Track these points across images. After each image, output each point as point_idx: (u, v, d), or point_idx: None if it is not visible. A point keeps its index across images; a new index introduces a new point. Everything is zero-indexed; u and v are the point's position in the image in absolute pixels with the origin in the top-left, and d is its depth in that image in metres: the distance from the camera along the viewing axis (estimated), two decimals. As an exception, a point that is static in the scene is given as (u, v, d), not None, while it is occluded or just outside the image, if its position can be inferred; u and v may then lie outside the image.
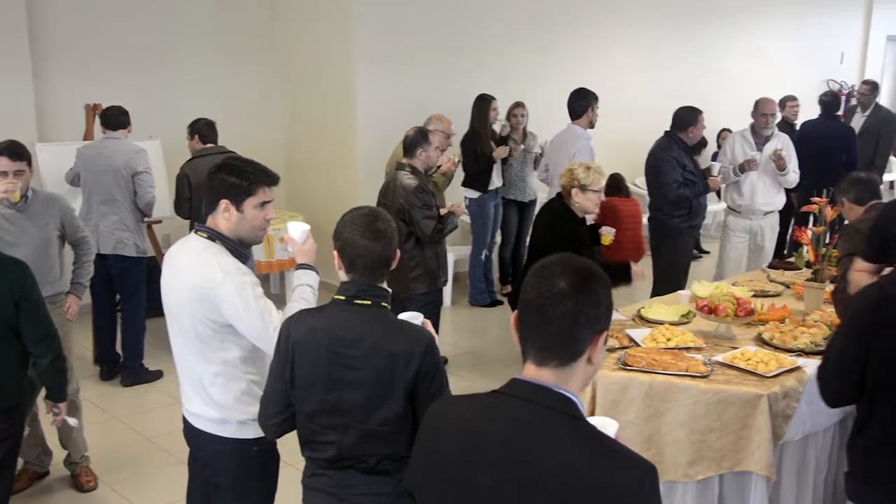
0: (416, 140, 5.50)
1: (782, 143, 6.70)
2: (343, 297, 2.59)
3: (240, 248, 3.01)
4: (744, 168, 6.55)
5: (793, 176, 6.65)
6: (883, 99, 11.24)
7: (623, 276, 4.87)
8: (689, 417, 3.75)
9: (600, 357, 1.80)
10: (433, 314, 5.63)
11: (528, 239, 8.17)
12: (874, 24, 13.05)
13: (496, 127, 7.54)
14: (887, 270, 2.88)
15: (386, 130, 7.21)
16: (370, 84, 7.84)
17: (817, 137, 7.85)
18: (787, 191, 7.21)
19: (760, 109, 6.68)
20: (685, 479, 3.78)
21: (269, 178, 3.02)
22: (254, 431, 2.93)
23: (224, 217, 2.95)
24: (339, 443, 2.56)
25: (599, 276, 1.78)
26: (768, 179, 6.67)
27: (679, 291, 5.06)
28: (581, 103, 6.73)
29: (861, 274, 3.57)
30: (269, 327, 2.85)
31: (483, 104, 7.48)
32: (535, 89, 8.47)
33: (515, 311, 1.80)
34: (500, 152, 7.46)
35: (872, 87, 9.38)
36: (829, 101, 8.33)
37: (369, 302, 2.56)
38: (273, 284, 8.16)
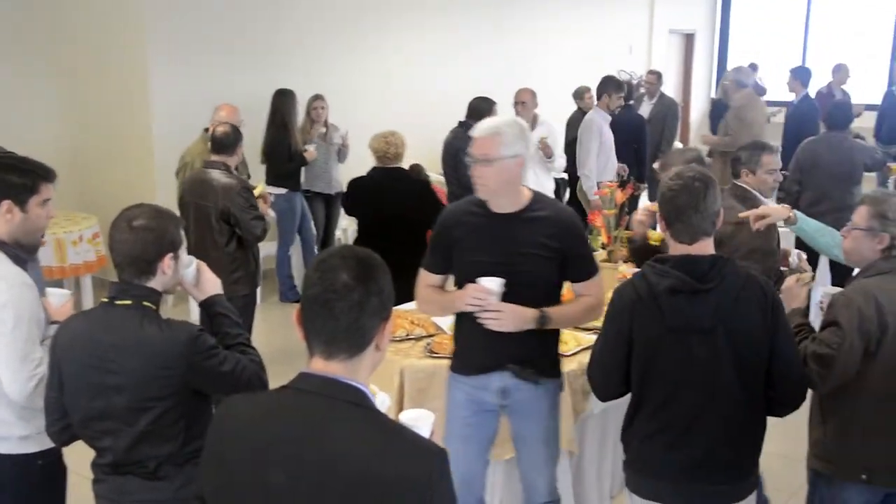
0: (237, 137, 5.23)
1: (547, 130, 6.96)
2: (106, 299, 2.50)
3: (20, 254, 2.82)
4: None
5: (560, 161, 6.97)
6: (667, 88, 11.95)
7: None
8: (494, 399, 3.84)
9: (386, 342, 1.81)
10: (249, 314, 5.45)
11: (336, 230, 8.17)
12: (657, 18, 13.91)
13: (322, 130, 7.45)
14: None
15: (184, 126, 6.93)
16: (165, 79, 7.51)
17: (612, 125, 8.21)
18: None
19: (515, 98, 6.90)
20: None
21: (49, 174, 2.87)
22: (37, 445, 2.80)
23: (5, 219, 2.77)
24: (114, 448, 2.48)
25: (380, 265, 1.79)
26: (538, 168, 6.92)
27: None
28: (600, 89, 7.45)
29: None
30: (23, 375, 2.69)
31: (288, 99, 7.35)
32: (335, 81, 8.43)
33: (298, 306, 1.78)
34: (311, 154, 7.40)
35: (657, 76, 9.98)
36: (626, 92, 8.75)
37: (129, 302, 2.46)
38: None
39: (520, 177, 3.16)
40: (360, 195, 5.50)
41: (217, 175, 5.05)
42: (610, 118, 7.37)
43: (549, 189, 7.17)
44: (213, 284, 2.74)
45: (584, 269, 3.24)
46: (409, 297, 3.75)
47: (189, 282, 2.71)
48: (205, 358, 2.45)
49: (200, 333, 2.49)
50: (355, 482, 1.65)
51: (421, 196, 5.52)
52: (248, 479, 1.72)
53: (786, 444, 4.07)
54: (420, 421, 1.89)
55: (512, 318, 3.08)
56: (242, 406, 1.85)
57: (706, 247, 2.69)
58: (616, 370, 2.79)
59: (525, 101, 6.97)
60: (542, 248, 3.15)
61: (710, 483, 2.74)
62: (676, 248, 2.71)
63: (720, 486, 2.75)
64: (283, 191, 7.45)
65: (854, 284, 3.03)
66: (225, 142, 5.13)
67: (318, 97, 7.61)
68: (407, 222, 5.24)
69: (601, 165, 7.19)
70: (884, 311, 2.86)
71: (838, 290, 3.11)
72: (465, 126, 6.46)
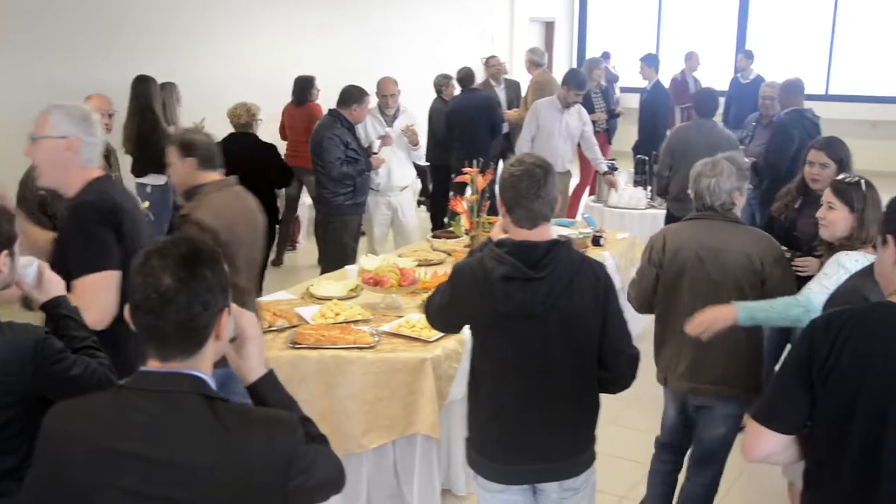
0: None
1: (409, 118, 6.97)
2: None
3: None
4: (380, 146, 6.72)
5: (422, 150, 7.00)
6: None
7: None
8: (360, 389, 3.83)
9: (227, 331, 1.76)
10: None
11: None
12: (517, 6, 14.14)
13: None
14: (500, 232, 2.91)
15: (31, 121, 6.54)
16: (8, 69, 7.06)
17: (462, 110, 8.29)
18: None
19: (380, 91, 6.89)
20: (360, 450, 3.87)
21: None
22: None
23: None
24: None
25: (206, 256, 1.71)
26: (402, 155, 6.90)
27: (347, 266, 5.14)
28: (563, 80, 7.65)
29: None
30: None
31: (150, 85, 7.03)
32: (191, 68, 8.21)
33: (128, 305, 1.70)
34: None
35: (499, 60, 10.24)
36: (464, 76, 8.78)
37: None
38: None
39: (70, 161, 2.95)
40: None
41: None
42: (561, 108, 7.43)
43: (410, 177, 7.15)
44: (55, 285, 2.58)
45: (75, 267, 2.86)
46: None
47: (29, 283, 2.55)
48: (52, 363, 2.31)
49: (47, 337, 2.34)
50: (210, 475, 1.62)
51: (266, 159, 6.28)
52: (91, 489, 1.64)
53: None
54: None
55: None
56: (75, 411, 1.75)
57: (545, 231, 2.73)
58: (453, 326, 3.08)
59: (395, 94, 6.93)
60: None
61: (547, 461, 2.80)
62: (517, 234, 2.74)
63: (556, 463, 2.81)
64: (162, 180, 7.02)
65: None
66: None
67: (169, 84, 7.33)
68: (253, 183, 5.57)
69: (537, 152, 7.23)
70: (667, 244, 3.56)
71: None
72: (333, 115, 6.39)
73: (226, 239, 3.45)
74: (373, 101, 6.88)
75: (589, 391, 2.81)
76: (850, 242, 3.29)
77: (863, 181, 3.34)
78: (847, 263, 3.17)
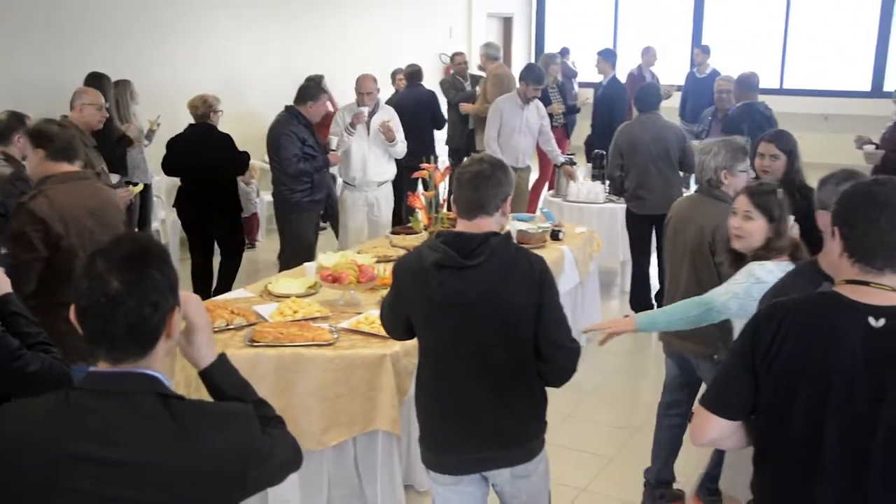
0: (10, 125, 4.91)
1: (388, 114, 6.95)
2: None
3: None
4: (354, 123, 6.69)
5: (401, 147, 6.94)
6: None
7: None
8: (319, 386, 3.82)
9: (177, 329, 1.75)
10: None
11: (153, 221, 7.85)
12: (475, 2, 14.15)
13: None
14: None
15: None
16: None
17: (408, 106, 8.31)
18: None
19: (357, 88, 6.88)
20: (320, 447, 3.85)
21: None
22: None
23: None
24: None
25: (153, 255, 1.69)
26: (379, 151, 6.88)
27: (305, 264, 5.11)
28: (520, 75, 7.68)
29: None
30: None
31: (103, 82, 6.94)
32: (147, 67, 8.11)
33: (74, 308, 1.67)
34: (138, 140, 7.11)
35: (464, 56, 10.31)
36: (411, 72, 8.85)
37: None
38: None
39: None
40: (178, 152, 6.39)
41: None
42: (521, 104, 7.47)
43: (388, 173, 7.10)
44: (1, 284, 2.55)
45: None
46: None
47: None
48: (12, 360, 2.30)
49: (4, 336, 2.33)
50: (170, 475, 1.61)
51: (223, 148, 6.34)
52: (45, 491, 1.62)
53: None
54: None
55: None
56: (23, 414, 1.72)
57: (484, 224, 2.75)
58: (400, 327, 2.95)
59: (371, 92, 6.88)
60: None
61: (494, 449, 2.81)
62: (458, 225, 2.80)
63: (503, 451, 2.82)
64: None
65: None
66: None
67: (124, 82, 7.25)
68: (212, 173, 6.29)
69: (502, 148, 7.33)
70: (670, 216, 4.07)
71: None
72: (290, 111, 6.35)
73: (60, 231, 3.49)
74: (352, 97, 6.87)
75: (529, 381, 2.81)
76: (765, 253, 3.16)
77: (778, 189, 3.25)
78: (760, 274, 3.08)
